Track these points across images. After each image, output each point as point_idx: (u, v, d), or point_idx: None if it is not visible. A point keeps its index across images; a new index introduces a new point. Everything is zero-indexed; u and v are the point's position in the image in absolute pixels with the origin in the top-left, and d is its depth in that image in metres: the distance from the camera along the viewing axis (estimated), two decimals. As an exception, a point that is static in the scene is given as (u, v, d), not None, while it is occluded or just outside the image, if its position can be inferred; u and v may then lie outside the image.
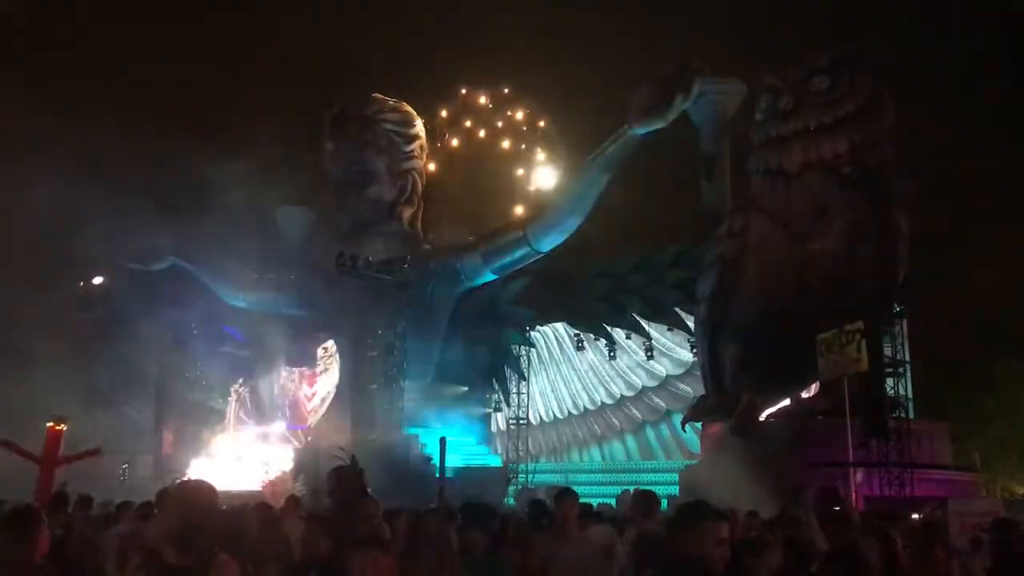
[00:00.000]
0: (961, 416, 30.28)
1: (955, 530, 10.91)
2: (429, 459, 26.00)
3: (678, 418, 27.23)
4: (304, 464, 25.17)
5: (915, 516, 13.83)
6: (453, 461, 27.70)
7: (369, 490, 6.09)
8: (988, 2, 37.99)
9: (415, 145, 31.11)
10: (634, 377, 30.95)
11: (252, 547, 5.72)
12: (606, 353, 30.77)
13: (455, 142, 34.43)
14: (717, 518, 4.24)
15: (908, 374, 21.69)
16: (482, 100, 34.28)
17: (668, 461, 29.03)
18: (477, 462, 28.72)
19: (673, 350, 29.43)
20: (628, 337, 30.00)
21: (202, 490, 4.52)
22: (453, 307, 30.05)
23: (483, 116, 34.34)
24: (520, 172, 33.03)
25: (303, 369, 33.70)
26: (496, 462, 29.83)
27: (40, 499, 14.73)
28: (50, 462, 17.27)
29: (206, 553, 4.27)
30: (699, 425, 24.36)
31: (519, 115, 33.56)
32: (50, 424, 17.93)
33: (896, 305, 21.67)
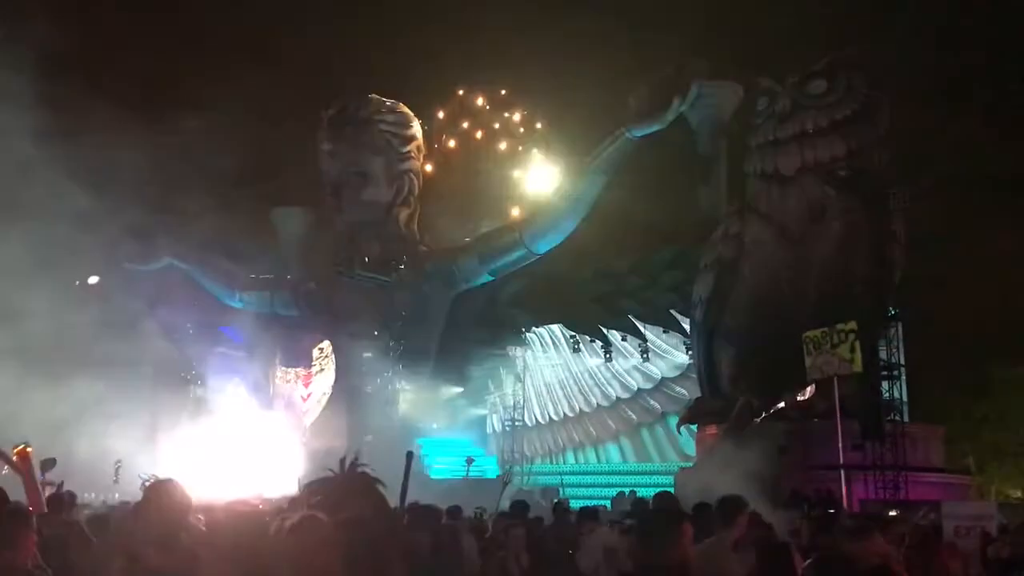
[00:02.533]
0: (955, 420, 30.32)
1: (948, 532, 10.97)
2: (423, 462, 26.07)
3: (673, 420, 27.27)
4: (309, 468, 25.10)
5: (892, 513, 13.85)
6: (450, 467, 27.64)
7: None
8: (988, 2, 38.08)
9: (412, 146, 31.10)
10: (630, 379, 30.96)
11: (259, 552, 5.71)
12: (602, 355, 30.79)
13: (452, 143, 34.44)
14: (686, 519, 4.34)
15: (903, 377, 21.73)
16: (479, 101, 34.28)
17: (663, 463, 29.05)
18: (473, 472, 28.54)
19: (669, 352, 29.46)
20: (624, 339, 30.02)
21: (175, 489, 4.48)
22: (449, 308, 30.04)
23: (480, 118, 34.33)
24: (517, 174, 33.04)
25: (299, 369, 33.67)
26: (492, 463, 29.81)
27: (31, 501, 14.53)
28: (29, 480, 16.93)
29: (188, 554, 4.22)
30: (694, 427, 24.37)
31: (516, 117, 33.57)
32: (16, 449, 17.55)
33: (892, 308, 21.72)
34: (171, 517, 4.27)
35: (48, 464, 15.60)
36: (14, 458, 14.86)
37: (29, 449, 15.97)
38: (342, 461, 5.42)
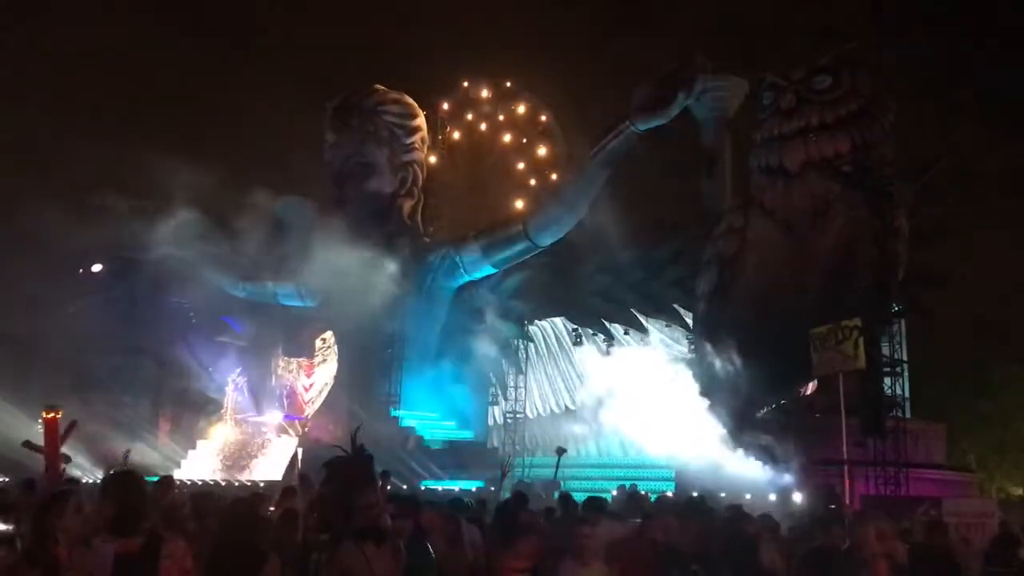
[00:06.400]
0: (957, 417, 30.30)
1: (950, 529, 10.96)
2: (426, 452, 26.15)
3: (675, 414, 27.23)
4: (304, 454, 25.18)
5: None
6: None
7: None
8: (987, 3, 38.00)
9: (416, 137, 31.06)
10: (631, 372, 30.92)
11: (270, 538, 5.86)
12: (604, 348, 30.75)
13: (456, 135, 34.37)
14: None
15: (905, 374, 21.69)
16: (484, 93, 34.20)
17: (664, 457, 29.04)
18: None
19: (671, 346, 29.41)
20: (626, 333, 30.00)
21: (134, 477, 4.82)
22: (451, 300, 30.03)
23: (484, 109, 34.25)
24: (521, 166, 32.97)
25: (301, 359, 33.68)
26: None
27: (50, 470, 14.55)
28: (53, 451, 17.03)
29: (153, 536, 4.51)
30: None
31: (521, 109, 33.48)
32: (47, 414, 17.61)
33: (894, 305, 21.68)
34: (128, 503, 4.56)
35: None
36: (40, 422, 14.31)
37: (57, 415, 15.44)
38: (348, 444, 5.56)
